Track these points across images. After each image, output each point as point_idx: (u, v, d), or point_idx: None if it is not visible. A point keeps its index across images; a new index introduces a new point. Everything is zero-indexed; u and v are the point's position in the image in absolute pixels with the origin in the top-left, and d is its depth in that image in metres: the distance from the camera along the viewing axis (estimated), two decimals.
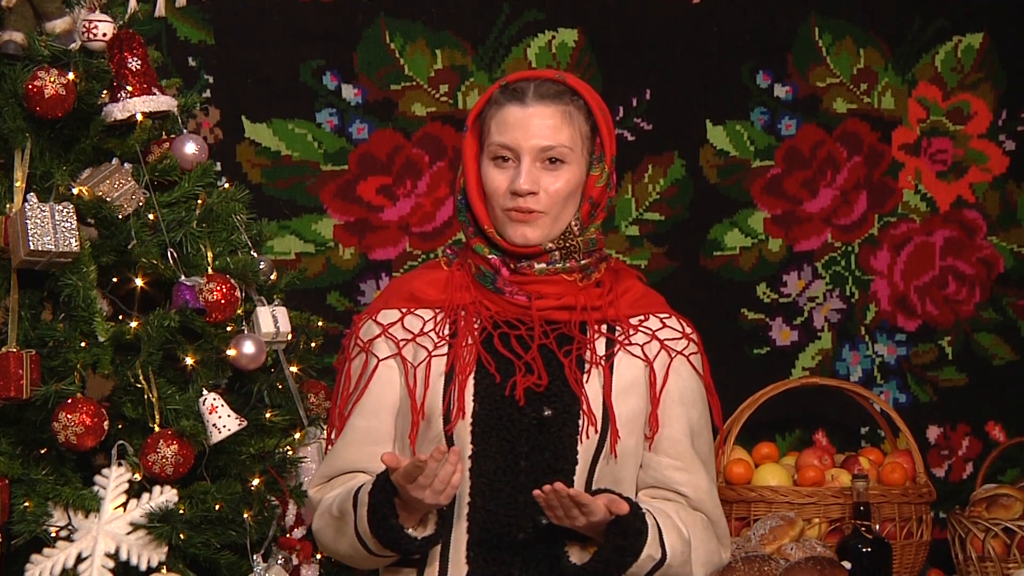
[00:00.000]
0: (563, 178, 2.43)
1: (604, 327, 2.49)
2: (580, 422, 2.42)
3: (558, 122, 2.43)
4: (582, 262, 2.48)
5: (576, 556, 2.41)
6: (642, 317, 2.52)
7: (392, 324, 2.48)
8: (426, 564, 2.44)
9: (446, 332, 2.47)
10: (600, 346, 2.48)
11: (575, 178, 2.45)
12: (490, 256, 2.47)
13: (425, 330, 2.47)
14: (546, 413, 2.43)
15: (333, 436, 2.52)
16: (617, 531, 2.36)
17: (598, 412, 2.44)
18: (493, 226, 2.46)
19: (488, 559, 2.41)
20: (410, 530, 2.37)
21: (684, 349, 2.52)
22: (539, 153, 2.42)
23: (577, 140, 2.45)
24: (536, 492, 2.31)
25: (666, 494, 2.49)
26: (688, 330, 2.55)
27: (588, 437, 2.43)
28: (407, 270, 4.08)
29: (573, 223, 2.47)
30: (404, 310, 2.49)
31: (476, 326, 2.46)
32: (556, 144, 2.42)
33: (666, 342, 2.51)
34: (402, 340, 2.47)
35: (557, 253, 2.46)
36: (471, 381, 2.43)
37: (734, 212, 4.33)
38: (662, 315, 2.54)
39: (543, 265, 2.46)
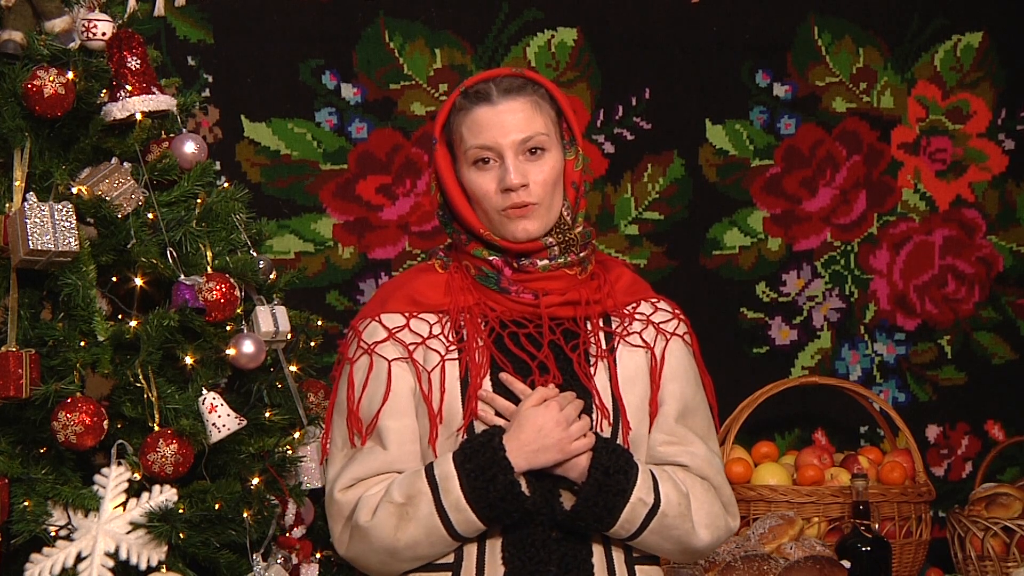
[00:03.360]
0: (548, 165, 2.45)
1: (601, 320, 2.51)
2: (594, 416, 2.43)
3: (529, 112, 2.45)
4: (580, 255, 2.49)
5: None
6: (635, 304, 2.55)
7: (399, 329, 2.47)
8: (462, 566, 2.43)
9: (453, 336, 2.47)
10: (602, 339, 2.50)
11: (558, 164, 2.47)
12: (491, 257, 2.47)
13: (433, 334, 2.47)
14: None
15: (356, 440, 2.44)
16: (599, 470, 2.38)
17: (608, 404, 2.46)
18: (488, 229, 2.47)
19: (524, 558, 2.41)
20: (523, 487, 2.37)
21: (676, 329, 2.56)
22: (520, 146, 2.44)
23: (550, 126, 2.47)
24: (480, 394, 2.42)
25: (664, 468, 2.50)
26: (677, 311, 2.59)
27: (602, 430, 2.44)
28: (406, 269, 4.08)
29: (564, 212, 2.48)
30: (407, 314, 2.48)
31: (484, 327, 2.46)
32: (533, 133, 2.44)
33: (660, 325, 2.54)
34: (411, 344, 2.46)
35: (556, 248, 2.48)
36: (488, 383, 2.43)
37: (733, 211, 4.33)
38: (652, 299, 2.57)
39: (546, 261, 2.47)
